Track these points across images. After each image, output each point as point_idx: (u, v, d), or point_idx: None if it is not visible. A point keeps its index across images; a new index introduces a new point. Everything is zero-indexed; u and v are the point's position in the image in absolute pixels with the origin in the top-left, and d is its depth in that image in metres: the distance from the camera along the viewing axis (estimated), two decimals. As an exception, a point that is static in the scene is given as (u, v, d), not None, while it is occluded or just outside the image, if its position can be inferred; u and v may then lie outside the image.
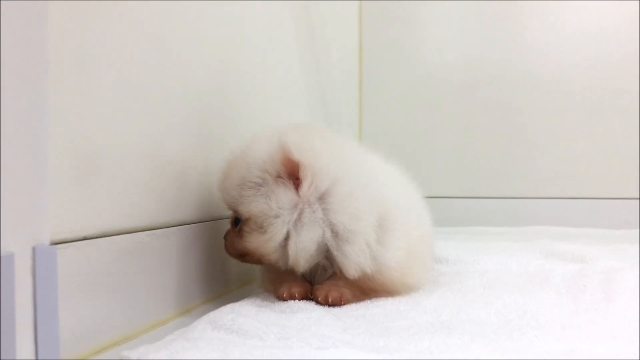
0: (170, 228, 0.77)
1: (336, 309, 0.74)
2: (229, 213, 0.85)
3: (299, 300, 0.77)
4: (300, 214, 0.76)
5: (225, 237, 0.82)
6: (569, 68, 1.95)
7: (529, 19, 1.99)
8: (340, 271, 0.79)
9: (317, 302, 0.77)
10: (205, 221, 0.87)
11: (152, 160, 0.73)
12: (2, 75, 0.45)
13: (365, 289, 0.81)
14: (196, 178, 0.85)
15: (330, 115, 1.82)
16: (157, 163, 0.74)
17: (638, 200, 1.86)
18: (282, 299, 0.78)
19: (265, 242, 0.76)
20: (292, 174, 0.76)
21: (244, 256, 0.80)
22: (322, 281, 0.82)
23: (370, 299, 0.81)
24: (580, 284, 0.88)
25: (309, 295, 0.79)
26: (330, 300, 0.76)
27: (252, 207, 0.77)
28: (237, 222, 0.80)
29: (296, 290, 0.78)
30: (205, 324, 0.65)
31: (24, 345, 0.46)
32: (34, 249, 0.47)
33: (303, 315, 0.68)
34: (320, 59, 1.64)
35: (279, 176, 0.76)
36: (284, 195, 0.76)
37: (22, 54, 0.47)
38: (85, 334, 0.58)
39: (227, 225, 0.85)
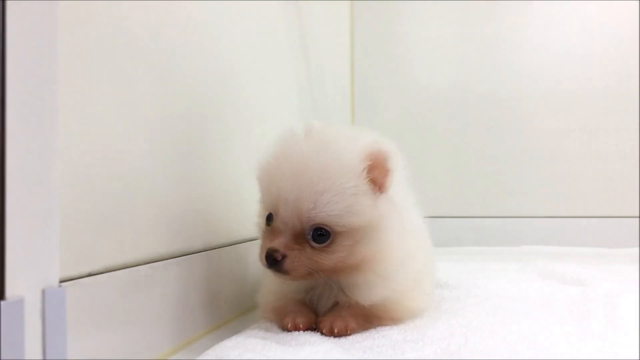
0: (170, 260, 0.76)
1: (342, 340, 0.73)
2: (222, 241, 0.85)
3: (304, 330, 0.76)
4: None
5: (279, 258, 0.71)
6: (561, 87, 1.97)
7: (518, 40, 2.01)
8: (345, 298, 0.79)
9: (322, 333, 0.76)
10: (201, 251, 0.85)
11: (150, 194, 0.72)
12: (7, 111, 0.44)
13: (369, 317, 0.80)
14: (190, 207, 0.84)
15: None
16: (155, 196, 0.74)
17: (638, 219, 1.87)
18: (286, 329, 0.77)
19: (369, 252, 0.73)
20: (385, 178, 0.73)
21: (312, 274, 0.73)
22: (325, 310, 0.81)
23: (374, 327, 0.80)
24: (583, 310, 0.88)
25: (313, 326, 0.78)
26: (335, 331, 0.75)
27: (356, 218, 0.71)
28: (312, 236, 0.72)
29: (301, 321, 0.77)
30: (213, 354, 0.64)
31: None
32: (43, 292, 0.46)
33: (310, 348, 0.67)
34: (311, 79, 1.64)
35: (373, 181, 0.73)
36: (385, 201, 0.74)
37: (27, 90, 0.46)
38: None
39: (222, 253, 0.85)
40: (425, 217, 1.95)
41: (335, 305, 0.81)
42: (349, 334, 0.76)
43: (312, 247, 0.71)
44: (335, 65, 1.95)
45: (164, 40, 0.76)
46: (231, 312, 0.94)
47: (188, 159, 0.83)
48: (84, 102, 0.59)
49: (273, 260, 0.70)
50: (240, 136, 1.00)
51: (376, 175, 0.73)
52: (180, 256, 0.79)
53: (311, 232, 0.71)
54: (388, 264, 0.77)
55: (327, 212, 0.70)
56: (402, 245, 0.79)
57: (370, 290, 0.78)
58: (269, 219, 0.75)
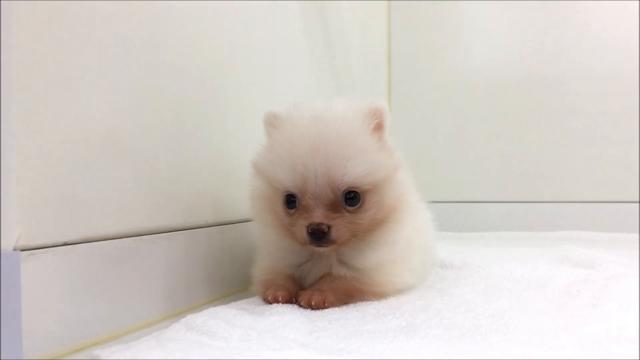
0: (159, 234, 0.80)
1: (316, 313, 0.75)
2: (218, 219, 0.89)
3: (283, 303, 0.79)
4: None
5: (323, 232, 0.75)
6: (596, 72, 1.89)
7: (558, 22, 1.94)
8: (337, 270, 0.82)
9: (300, 306, 0.79)
10: (193, 228, 0.89)
11: (139, 166, 0.77)
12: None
13: (351, 292, 0.82)
14: (185, 185, 0.88)
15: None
16: (145, 168, 0.78)
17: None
18: (267, 301, 0.80)
19: (393, 203, 0.80)
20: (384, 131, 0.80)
21: (355, 236, 0.78)
22: (311, 285, 0.84)
23: (355, 302, 0.82)
24: (574, 290, 0.86)
25: (293, 300, 0.81)
26: (313, 304, 0.78)
27: (379, 173, 0.77)
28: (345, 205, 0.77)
29: (280, 293, 0.80)
30: (181, 325, 0.68)
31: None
32: (-3, 254, 0.50)
33: (276, 318, 0.70)
34: (348, 61, 1.66)
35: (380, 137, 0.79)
36: (392, 152, 0.81)
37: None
38: (62, 335, 0.62)
39: (214, 232, 0.88)
40: (458, 201, 1.94)
41: (321, 278, 0.84)
42: (327, 307, 0.78)
43: (348, 211, 0.76)
44: (369, 48, 1.95)
45: (154, 23, 0.80)
46: (230, 288, 0.98)
47: (183, 136, 0.87)
48: (73, 85, 0.64)
49: (321, 233, 0.74)
50: (240, 116, 1.03)
51: (380, 130, 0.79)
52: (171, 231, 0.83)
53: (344, 198, 0.76)
54: (405, 212, 0.83)
55: (356, 174, 0.75)
56: (412, 192, 0.86)
57: (372, 253, 0.82)
58: (291, 200, 0.78)
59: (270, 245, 0.87)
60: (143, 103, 0.78)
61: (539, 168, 1.95)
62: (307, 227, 0.75)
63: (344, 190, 0.76)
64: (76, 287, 0.65)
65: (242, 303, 0.82)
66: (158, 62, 0.81)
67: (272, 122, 0.82)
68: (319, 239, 0.75)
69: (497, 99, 2.01)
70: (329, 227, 0.75)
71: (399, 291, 0.88)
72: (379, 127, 0.80)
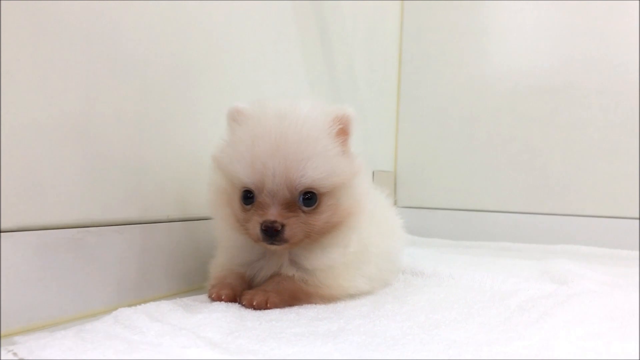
0: (110, 227, 0.81)
1: (251, 313, 0.75)
2: (182, 214, 0.90)
3: (226, 302, 0.79)
4: None
5: (276, 230, 0.75)
6: (617, 78, 1.83)
7: (576, 31, 1.89)
8: (286, 270, 0.83)
9: (242, 305, 0.79)
10: (152, 222, 0.90)
11: (94, 156, 0.78)
12: None
13: (297, 294, 0.82)
14: (146, 177, 0.89)
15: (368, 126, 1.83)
16: (101, 159, 0.79)
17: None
18: (211, 299, 0.81)
19: (349, 207, 0.81)
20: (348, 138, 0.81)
21: (308, 237, 0.78)
22: (260, 284, 0.84)
23: (302, 304, 0.81)
24: (530, 305, 0.84)
25: (237, 299, 0.81)
26: (254, 304, 0.77)
27: (337, 177, 0.78)
28: (304, 203, 0.77)
29: (224, 292, 0.80)
30: (110, 317, 0.69)
31: None
32: None
33: (204, 315, 0.70)
34: (351, 62, 1.65)
35: (343, 142, 0.80)
36: (352, 158, 0.82)
37: None
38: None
39: (177, 227, 0.89)
40: (467, 209, 1.90)
41: (269, 278, 0.84)
42: (269, 308, 0.78)
43: (303, 211, 0.77)
44: (377, 49, 1.94)
45: (118, 14, 0.81)
46: (196, 283, 0.98)
47: (148, 130, 0.88)
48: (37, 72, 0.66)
49: (274, 231, 0.75)
50: (214, 113, 1.03)
51: (344, 136, 0.80)
52: (122, 224, 0.84)
53: (300, 198, 0.76)
54: (361, 217, 0.84)
55: (314, 176, 0.75)
56: (370, 199, 0.86)
57: (323, 255, 0.82)
58: (248, 197, 0.78)
59: (224, 240, 0.87)
60: (106, 93, 0.80)
61: (549, 179, 1.89)
62: (261, 224, 0.75)
63: (301, 191, 0.76)
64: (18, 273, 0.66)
65: (188, 299, 0.82)
66: (123, 54, 0.83)
67: (235, 118, 0.81)
68: (272, 236, 0.76)
69: (508, 107, 1.96)
70: (282, 225, 0.75)
71: (349, 296, 0.87)
72: (343, 133, 0.81)
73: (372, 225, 0.90)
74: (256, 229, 0.76)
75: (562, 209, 1.87)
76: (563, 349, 0.60)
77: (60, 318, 0.73)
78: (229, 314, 0.72)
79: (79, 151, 0.76)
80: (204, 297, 0.85)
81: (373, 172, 1.87)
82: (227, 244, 0.86)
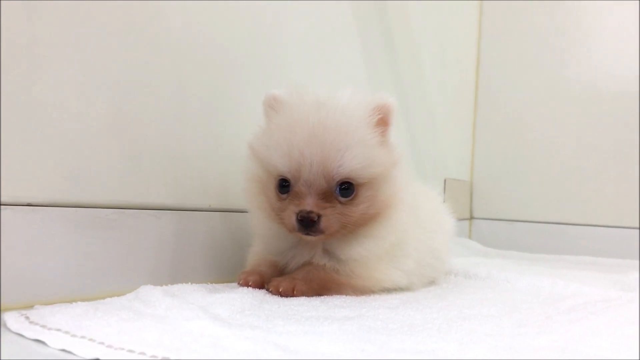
0: (147, 210, 0.83)
1: (276, 298, 0.74)
2: (222, 205, 0.91)
3: (254, 288, 0.78)
4: None
5: (312, 220, 0.73)
6: None
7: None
8: (320, 259, 0.80)
9: (269, 291, 0.77)
10: (190, 210, 0.91)
11: (126, 140, 0.80)
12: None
13: (327, 284, 0.79)
14: (187, 165, 0.90)
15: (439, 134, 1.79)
16: (133, 144, 0.81)
17: None
18: (239, 284, 0.80)
19: (387, 199, 0.78)
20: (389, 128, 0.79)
21: (345, 229, 0.76)
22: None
23: (332, 294, 0.79)
24: (581, 307, 0.76)
25: (265, 285, 0.79)
26: (281, 290, 0.76)
27: (376, 168, 0.76)
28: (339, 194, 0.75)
29: (252, 278, 0.79)
30: (133, 294, 0.70)
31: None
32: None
33: (221, 295, 0.69)
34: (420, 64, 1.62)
35: (382, 133, 0.78)
36: (392, 148, 0.80)
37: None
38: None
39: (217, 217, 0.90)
40: (549, 222, 1.80)
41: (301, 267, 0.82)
42: (295, 295, 0.76)
43: (340, 202, 0.75)
44: (451, 50, 1.88)
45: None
46: (232, 274, 0.97)
47: (189, 120, 0.90)
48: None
49: (310, 221, 0.73)
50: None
51: (383, 126, 0.78)
52: (159, 209, 0.85)
53: (337, 188, 0.75)
54: (399, 210, 0.81)
55: (352, 166, 0.73)
56: (409, 192, 0.83)
57: (358, 245, 0.80)
58: (283, 185, 0.77)
59: (259, 229, 0.86)
60: (146, 84, 0.82)
61: (634, 191, 1.74)
62: (297, 214, 0.74)
63: (338, 181, 0.74)
64: (36, 246, 0.69)
65: (219, 285, 0.82)
66: (164, 44, 0.85)
67: (272, 105, 0.80)
68: (308, 227, 0.74)
69: (592, 113, 1.83)
70: (318, 216, 0.73)
71: (384, 289, 0.83)
72: (382, 123, 0.78)
73: (413, 218, 0.86)
74: (292, 219, 0.74)
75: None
76: (590, 346, 0.54)
77: (88, 295, 0.74)
78: (248, 296, 0.71)
79: (119, 138, 0.78)
80: (236, 284, 0.84)
81: (445, 180, 1.81)
82: (262, 232, 0.85)
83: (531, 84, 1.94)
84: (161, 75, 0.85)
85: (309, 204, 0.73)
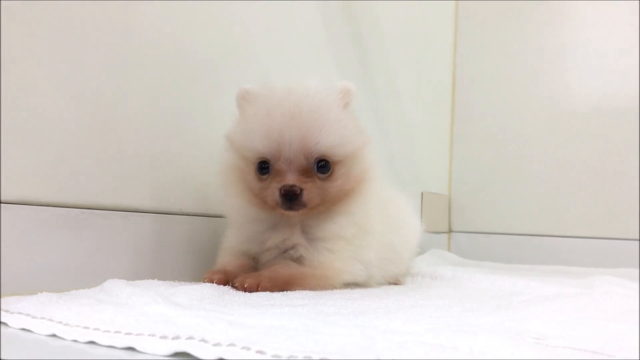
0: (117, 211, 0.86)
1: (234, 291, 0.77)
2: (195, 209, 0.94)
3: (218, 284, 0.81)
4: None
5: (295, 194, 0.78)
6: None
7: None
8: (299, 241, 0.85)
9: (234, 287, 0.80)
10: (162, 213, 0.94)
11: (99, 142, 0.83)
12: None
13: (291, 280, 0.82)
14: (161, 170, 0.93)
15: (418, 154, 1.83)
16: (106, 146, 0.84)
17: None
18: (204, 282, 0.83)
19: (359, 175, 0.85)
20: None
21: (323, 203, 0.82)
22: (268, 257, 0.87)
23: (296, 289, 0.81)
24: (534, 299, 0.79)
25: (229, 283, 0.82)
26: (246, 286, 0.79)
27: (350, 146, 0.82)
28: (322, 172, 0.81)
29: (216, 276, 0.82)
30: (99, 287, 0.73)
31: None
32: None
33: (183, 287, 0.72)
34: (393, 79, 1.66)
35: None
36: (361, 129, 0.86)
37: None
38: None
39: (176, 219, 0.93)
40: (522, 234, 1.83)
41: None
42: (260, 291, 0.79)
43: (319, 178, 0.81)
44: (429, 69, 1.93)
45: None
46: (195, 277, 0.99)
47: (164, 125, 0.93)
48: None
49: (293, 195, 0.78)
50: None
51: (349, 108, 0.85)
52: (131, 211, 0.88)
53: (315, 166, 0.80)
54: (369, 187, 0.87)
55: (329, 143, 0.79)
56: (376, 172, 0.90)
57: (331, 223, 0.85)
58: (263, 167, 0.82)
59: (236, 216, 0.89)
60: (121, 90, 0.86)
61: (611, 202, 1.79)
62: (280, 189, 0.78)
63: (316, 158, 0.80)
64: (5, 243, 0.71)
65: (185, 282, 0.85)
66: (138, 53, 0.89)
67: (245, 97, 0.86)
68: (291, 200, 0.79)
69: (565, 129, 1.88)
70: (301, 190, 0.78)
71: (344, 282, 0.86)
72: (347, 106, 0.85)
73: (379, 212, 0.91)
74: (275, 195, 0.79)
75: (625, 232, 1.75)
76: (527, 323, 0.57)
77: (56, 291, 0.76)
78: (210, 288, 0.74)
79: (92, 140, 0.82)
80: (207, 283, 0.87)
81: (422, 194, 1.84)
82: (238, 218, 0.89)
83: (506, 100, 1.99)
84: (136, 80, 0.89)
85: (291, 178, 0.79)
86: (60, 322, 0.52)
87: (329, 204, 0.83)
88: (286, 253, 0.86)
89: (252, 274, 0.82)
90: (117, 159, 0.86)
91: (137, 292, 0.65)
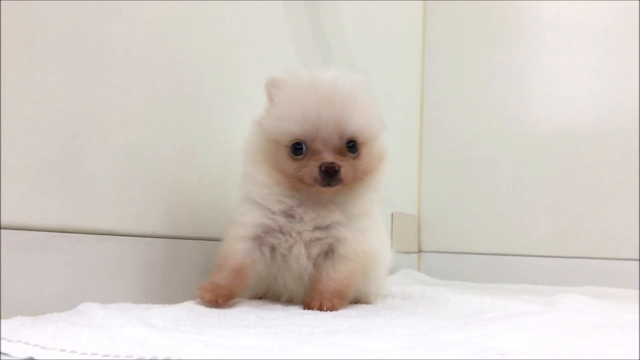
0: (90, 235, 0.86)
1: (214, 311, 0.78)
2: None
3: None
4: None
5: (335, 170, 0.84)
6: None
7: (594, 75, 1.88)
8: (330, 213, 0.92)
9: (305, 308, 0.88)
10: (133, 236, 0.94)
11: (70, 165, 0.84)
12: None
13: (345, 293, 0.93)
14: (133, 193, 0.94)
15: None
16: (77, 169, 0.85)
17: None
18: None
19: (379, 155, 0.93)
20: None
21: (355, 180, 0.89)
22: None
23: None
24: (500, 316, 0.82)
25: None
26: (325, 308, 0.86)
27: (374, 128, 0.91)
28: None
29: (207, 296, 0.84)
30: (73, 310, 0.73)
31: None
32: None
33: (159, 309, 0.73)
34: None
35: None
36: (379, 115, 0.94)
37: None
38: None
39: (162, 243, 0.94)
40: (490, 253, 1.87)
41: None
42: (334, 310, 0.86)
43: (351, 157, 0.87)
44: (404, 95, 1.98)
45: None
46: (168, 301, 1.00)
47: (134, 148, 0.94)
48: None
49: (333, 171, 0.84)
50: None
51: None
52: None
53: (346, 146, 0.87)
54: (384, 167, 0.96)
55: (359, 125, 0.87)
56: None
57: (358, 199, 0.92)
58: (297, 148, 0.86)
59: (262, 189, 0.90)
60: (91, 113, 0.87)
61: (574, 222, 1.84)
62: (320, 166, 0.84)
63: (347, 138, 0.87)
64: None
65: (158, 304, 0.85)
66: (104, 75, 0.90)
67: (274, 84, 0.91)
68: (331, 176, 0.84)
69: (530, 150, 1.94)
70: (339, 166, 0.85)
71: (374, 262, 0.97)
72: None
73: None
74: (314, 172, 0.85)
75: (588, 251, 1.81)
76: (493, 340, 0.59)
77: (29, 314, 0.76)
78: (184, 310, 0.75)
79: (64, 163, 0.82)
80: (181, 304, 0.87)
81: (392, 215, 1.87)
82: (265, 194, 0.90)
83: (473, 123, 2.05)
84: (108, 105, 0.90)
85: (330, 157, 0.85)
86: (37, 345, 0.53)
87: (358, 181, 0.89)
88: (323, 231, 0.90)
89: (319, 297, 0.88)
90: (89, 182, 0.86)
91: (112, 315, 0.65)
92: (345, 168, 0.85)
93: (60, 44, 0.82)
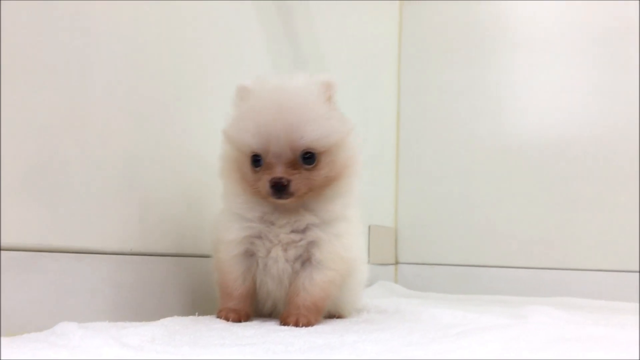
0: (68, 253, 0.87)
1: (187, 329, 0.79)
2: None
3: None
4: None
5: (283, 185, 0.86)
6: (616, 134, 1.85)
7: (567, 87, 1.93)
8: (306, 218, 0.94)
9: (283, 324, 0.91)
10: (112, 254, 0.95)
11: (48, 184, 0.85)
12: None
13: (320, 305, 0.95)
14: (110, 210, 0.95)
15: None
16: (54, 187, 0.86)
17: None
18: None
19: (345, 162, 0.92)
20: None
21: (310, 191, 0.89)
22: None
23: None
24: (468, 330, 0.85)
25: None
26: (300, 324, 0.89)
27: (333, 137, 0.89)
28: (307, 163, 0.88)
29: (231, 316, 0.92)
30: (50, 330, 0.74)
31: None
32: None
33: (135, 328, 0.74)
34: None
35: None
36: (344, 119, 0.94)
37: None
38: None
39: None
40: (466, 265, 1.90)
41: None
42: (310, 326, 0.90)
43: (305, 169, 0.88)
44: (375, 105, 2.01)
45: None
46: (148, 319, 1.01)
47: (111, 165, 0.95)
48: None
49: (281, 186, 0.86)
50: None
51: (332, 101, 0.93)
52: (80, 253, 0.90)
53: (301, 158, 0.88)
54: (356, 169, 0.96)
55: (312, 137, 0.87)
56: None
57: (328, 203, 0.94)
58: (256, 160, 0.89)
59: (236, 199, 0.95)
60: (66, 131, 0.88)
61: (549, 233, 1.89)
62: (270, 181, 0.87)
63: (301, 151, 0.87)
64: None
65: (136, 322, 0.86)
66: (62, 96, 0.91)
67: (240, 94, 0.93)
68: (280, 191, 0.87)
69: (506, 163, 1.98)
70: (288, 181, 0.87)
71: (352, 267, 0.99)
72: (330, 98, 0.92)
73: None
74: (266, 186, 0.87)
75: (560, 263, 1.85)
76: (461, 353, 0.62)
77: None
78: (159, 328, 0.76)
79: (41, 181, 0.83)
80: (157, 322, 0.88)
81: (369, 227, 1.90)
82: (239, 201, 0.94)
83: (448, 137, 2.09)
84: (85, 122, 0.91)
85: (279, 171, 0.87)
86: (15, 368, 0.54)
87: (317, 191, 0.90)
88: (299, 234, 0.93)
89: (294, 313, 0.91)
90: (66, 201, 0.87)
91: (90, 335, 0.67)
92: (297, 181, 0.87)
93: (36, 62, 0.84)
